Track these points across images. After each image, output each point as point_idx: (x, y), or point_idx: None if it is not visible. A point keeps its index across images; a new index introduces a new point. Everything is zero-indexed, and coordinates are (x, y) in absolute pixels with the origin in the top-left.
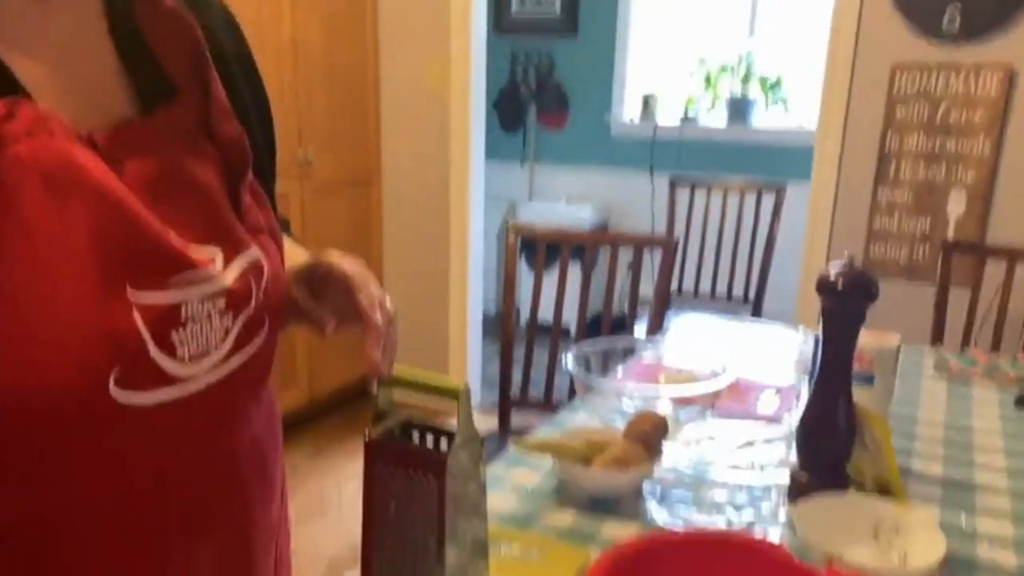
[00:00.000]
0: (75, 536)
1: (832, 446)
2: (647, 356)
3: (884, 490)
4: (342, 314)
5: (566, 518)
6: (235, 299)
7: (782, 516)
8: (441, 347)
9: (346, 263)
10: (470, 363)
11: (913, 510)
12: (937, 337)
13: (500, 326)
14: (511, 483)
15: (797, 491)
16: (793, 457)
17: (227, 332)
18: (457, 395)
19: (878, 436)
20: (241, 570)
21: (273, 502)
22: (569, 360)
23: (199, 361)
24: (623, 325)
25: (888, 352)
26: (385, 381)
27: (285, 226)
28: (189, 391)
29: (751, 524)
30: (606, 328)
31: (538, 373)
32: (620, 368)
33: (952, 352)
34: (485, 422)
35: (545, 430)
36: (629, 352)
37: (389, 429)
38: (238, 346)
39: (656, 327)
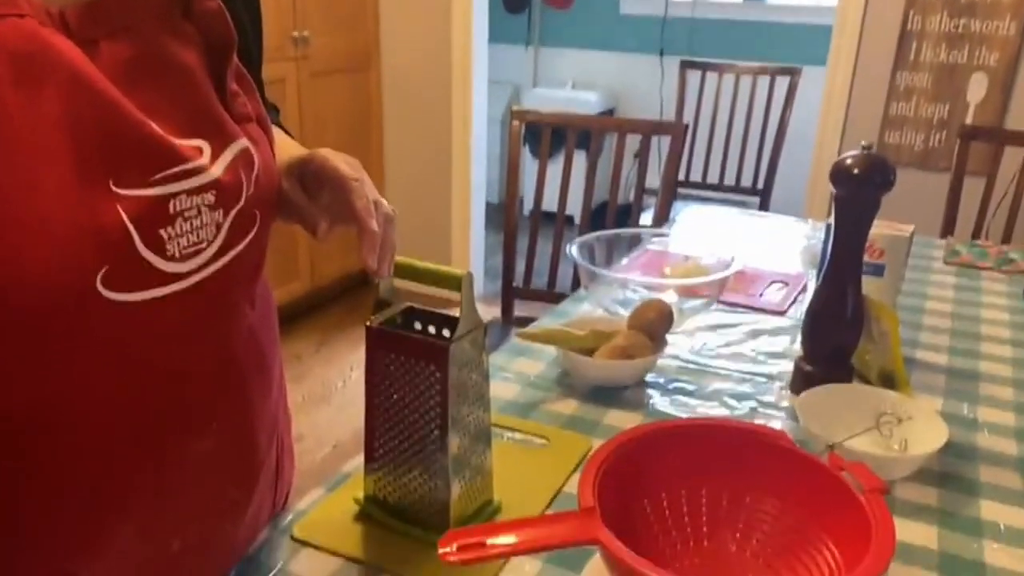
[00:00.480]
0: (74, 429)
1: (838, 337)
2: (652, 246)
3: (888, 382)
4: (335, 214)
5: (569, 407)
6: (225, 193)
7: (784, 406)
8: (443, 237)
9: (340, 161)
10: (473, 253)
11: (916, 400)
12: (948, 228)
13: (503, 215)
14: (514, 372)
15: (800, 382)
16: (797, 348)
17: (218, 228)
18: (459, 283)
19: (886, 327)
20: (243, 460)
21: (271, 392)
22: (573, 250)
23: (190, 259)
24: (628, 215)
25: (900, 242)
26: (388, 277)
27: (274, 112)
28: (181, 288)
29: (753, 413)
30: (611, 218)
31: (542, 263)
32: (625, 258)
33: (963, 243)
34: (488, 312)
35: (549, 320)
36: (634, 242)
37: (391, 317)
38: (229, 242)
39: (662, 217)
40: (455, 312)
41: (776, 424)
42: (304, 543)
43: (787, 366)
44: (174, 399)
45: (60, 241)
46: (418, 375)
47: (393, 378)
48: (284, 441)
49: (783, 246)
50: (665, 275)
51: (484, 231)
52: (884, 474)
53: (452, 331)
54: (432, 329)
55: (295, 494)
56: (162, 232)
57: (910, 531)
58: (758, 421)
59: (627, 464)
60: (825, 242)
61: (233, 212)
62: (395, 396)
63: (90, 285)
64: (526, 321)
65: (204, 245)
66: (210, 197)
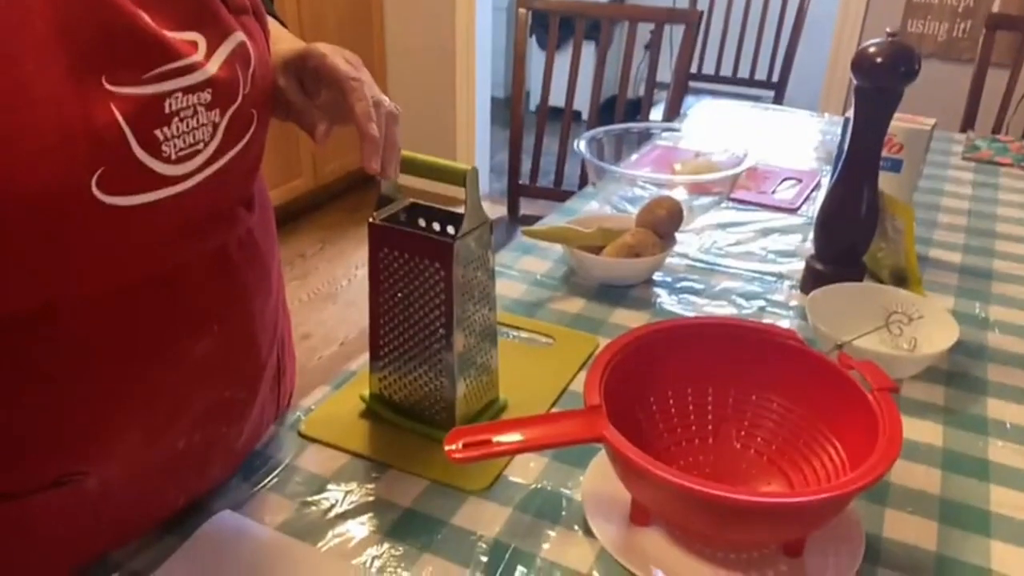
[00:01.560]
0: (74, 330)
1: (852, 234)
2: (663, 142)
3: (900, 280)
4: (334, 114)
5: (575, 306)
6: (221, 91)
7: (793, 306)
8: (447, 133)
9: (339, 58)
10: (478, 149)
11: (927, 299)
12: (968, 122)
13: (509, 110)
14: (520, 271)
15: (811, 281)
16: (809, 247)
17: (215, 128)
18: (464, 178)
19: (900, 224)
20: (245, 361)
21: (271, 293)
22: (581, 145)
23: (186, 161)
24: (638, 109)
25: (920, 135)
26: (386, 191)
27: (268, 2)
28: (177, 191)
29: (762, 312)
30: (620, 112)
31: (548, 160)
32: (634, 154)
33: (983, 138)
34: (493, 211)
35: (555, 218)
36: (644, 138)
37: (394, 214)
38: (226, 143)
39: (673, 111)
40: (460, 209)
41: (785, 324)
42: (311, 439)
43: (798, 265)
44: (173, 301)
45: (53, 142)
46: (422, 273)
47: (397, 276)
48: (285, 342)
49: (797, 142)
50: (675, 171)
51: (490, 127)
52: (892, 373)
53: (457, 228)
54: (436, 226)
55: (302, 392)
56: (158, 133)
57: (915, 429)
58: (767, 320)
59: (633, 363)
60: (842, 137)
61: (230, 112)
62: (399, 294)
63: (85, 187)
64: (532, 219)
65: (201, 146)
66: (206, 96)
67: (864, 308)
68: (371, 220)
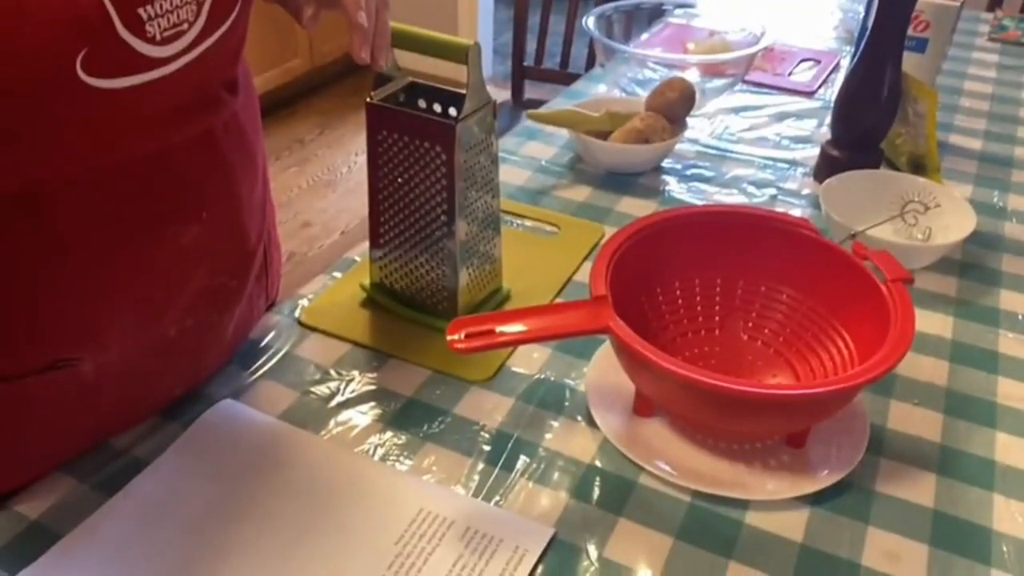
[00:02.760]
0: (60, 214)
1: (871, 118)
2: (675, 20)
3: (918, 167)
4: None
5: (581, 193)
6: None
7: (806, 194)
8: (448, 13)
9: None
10: (480, 29)
11: (945, 187)
12: (996, 1)
13: None
14: (524, 156)
15: (826, 167)
16: (824, 132)
17: (199, 8)
18: (466, 54)
19: (922, 108)
20: (233, 248)
21: (257, 181)
22: (590, 22)
23: (172, 42)
24: None
25: (949, 12)
26: (384, 70)
27: None
28: (162, 74)
29: (773, 200)
30: None
31: (554, 41)
32: (645, 33)
33: (1011, 17)
34: (497, 94)
35: (562, 101)
36: (656, 14)
37: (393, 93)
38: (211, 24)
39: None
40: (461, 89)
41: (797, 212)
42: (310, 328)
43: (812, 152)
44: (160, 185)
45: (35, 24)
46: (423, 156)
47: (396, 160)
48: (271, 234)
49: (817, 20)
50: (688, 52)
51: (493, 6)
52: (905, 263)
53: (458, 109)
54: (437, 107)
55: (302, 281)
56: (141, 12)
57: (925, 320)
58: (778, 209)
59: (640, 253)
60: (866, 14)
61: None
62: (399, 179)
63: (70, 68)
64: (538, 103)
65: (185, 27)
66: None
67: (879, 196)
68: (368, 100)
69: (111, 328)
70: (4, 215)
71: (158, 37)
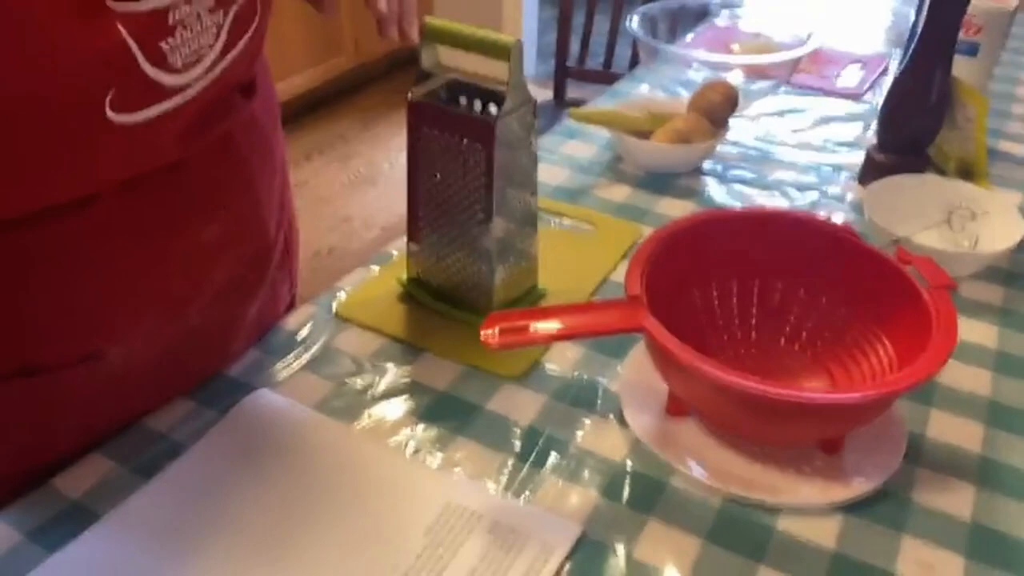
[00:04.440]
0: (89, 220)
1: (919, 122)
2: (721, 21)
3: (966, 173)
4: None
5: (621, 193)
6: None
7: (849, 199)
8: (492, 11)
9: None
10: (525, 29)
11: (993, 193)
12: None
13: None
14: (564, 155)
15: (871, 172)
16: (871, 137)
17: (219, 30)
18: (508, 52)
19: (972, 113)
20: (253, 242)
21: (276, 172)
22: (634, 22)
23: (192, 68)
24: None
25: (1002, 16)
26: (418, 43)
27: None
28: (185, 99)
29: (815, 205)
30: None
31: (598, 41)
32: (690, 34)
33: None
34: (540, 94)
35: (604, 100)
36: (701, 15)
37: (434, 90)
38: (230, 43)
39: None
40: (502, 87)
41: (840, 217)
42: (347, 321)
43: (857, 156)
44: (180, 188)
45: (64, 71)
46: (462, 153)
47: (436, 156)
48: (291, 222)
49: (867, 23)
50: (732, 53)
51: (537, 5)
52: (950, 271)
53: (499, 107)
54: (478, 105)
55: (341, 273)
56: (163, 45)
57: (970, 329)
58: (821, 213)
59: (677, 253)
60: (916, 17)
61: (233, 10)
62: (438, 175)
63: (99, 110)
64: (580, 103)
65: (206, 50)
66: (208, 1)
67: (925, 202)
68: (410, 96)
69: (137, 320)
70: (25, 225)
71: (179, 65)
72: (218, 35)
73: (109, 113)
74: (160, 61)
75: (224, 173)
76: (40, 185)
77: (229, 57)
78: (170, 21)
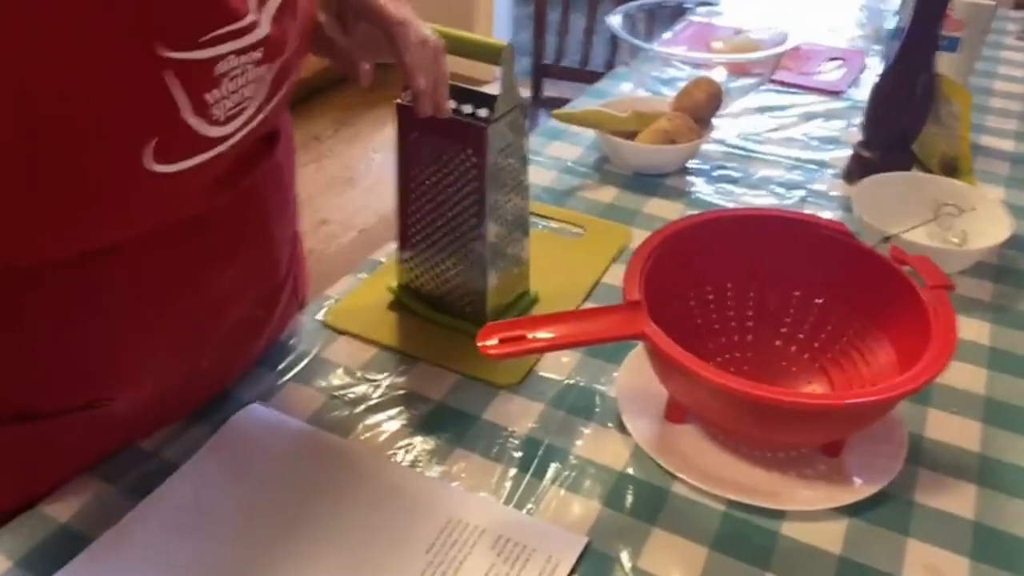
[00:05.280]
0: (105, 275)
1: (904, 119)
2: (699, 17)
3: (950, 169)
4: (374, 49)
5: (608, 194)
6: (271, 49)
7: (836, 196)
8: (464, 8)
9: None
10: (497, 26)
11: (979, 189)
12: None
13: None
14: (550, 157)
15: (857, 169)
16: (853, 133)
17: (260, 83)
18: (498, 55)
19: (956, 109)
20: (266, 282)
21: (290, 215)
22: (614, 20)
23: (233, 120)
24: None
25: (983, 12)
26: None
27: None
28: (222, 150)
29: (803, 202)
30: None
31: (575, 39)
32: (668, 31)
33: None
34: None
35: (586, 100)
36: (679, 12)
37: None
38: (271, 96)
39: None
40: (490, 89)
41: (827, 214)
42: (337, 331)
43: (841, 153)
44: (198, 237)
45: (105, 116)
46: (453, 159)
47: (426, 162)
48: (300, 255)
49: (840, 18)
50: (713, 50)
51: (511, 2)
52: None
53: (488, 109)
54: (467, 108)
55: (322, 279)
56: (207, 96)
57: (962, 326)
58: (808, 211)
59: (673, 257)
60: (899, 14)
61: (276, 66)
62: (428, 181)
63: (137, 159)
64: (557, 102)
65: (247, 104)
66: (257, 55)
67: (912, 199)
68: (399, 101)
69: (144, 369)
70: (46, 273)
71: (222, 118)
72: (259, 88)
73: (147, 162)
74: (203, 112)
75: (244, 220)
76: (71, 232)
77: (266, 111)
78: (216, 72)
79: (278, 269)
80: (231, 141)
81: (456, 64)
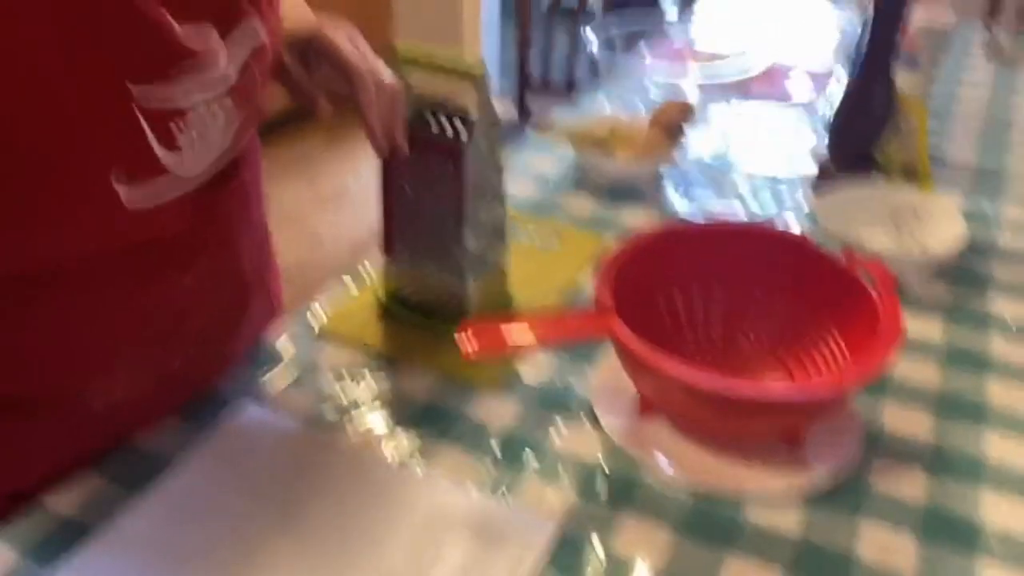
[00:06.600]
0: (79, 282)
1: (865, 130)
2: (677, 38)
3: (911, 177)
4: (335, 92)
5: (584, 206)
6: (238, 92)
7: (806, 207)
8: (453, 28)
9: (343, 41)
10: (486, 46)
11: (937, 198)
12: (994, 11)
13: (517, 3)
14: (530, 169)
15: (822, 180)
16: (823, 147)
17: (228, 121)
18: (475, 76)
19: (913, 121)
20: (231, 284)
21: (253, 222)
22: (592, 38)
23: (198, 150)
24: (653, 1)
25: (939, 33)
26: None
27: None
28: (188, 179)
29: (771, 213)
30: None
31: (559, 57)
32: (647, 51)
33: (1006, 31)
34: (502, 108)
35: (566, 116)
36: (658, 32)
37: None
38: (239, 137)
39: (688, 4)
40: (468, 103)
41: (796, 225)
42: (327, 337)
43: (811, 164)
44: (162, 247)
45: (75, 141)
46: (434, 172)
47: (407, 175)
48: (269, 255)
49: (816, 38)
50: (688, 70)
51: (499, 23)
52: (899, 273)
53: (467, 125)
54: (446, 122)
55: (313, 290)
56: (173, 126)
57: (919, 326)
58: (777, 221)
59: (643, 264)
60: (861, 34)
61: (244, 104)
62: (410, 194)
63: (105, 184)
64: (541, 117)
65: (216, 138)
66: (223, 94)
67: (873, 208)
68: None
69: (111, 364)
70: (22, 280)
71: (188, 147)
72: (230, 124)
73: (114, 189)
74: (170, 143)
75: (203, 231)
76: (42, 247)
77: (236, 141)
78: (182, 106)
79: (242, 273)
80: (196, 170)
81: (444, 83)
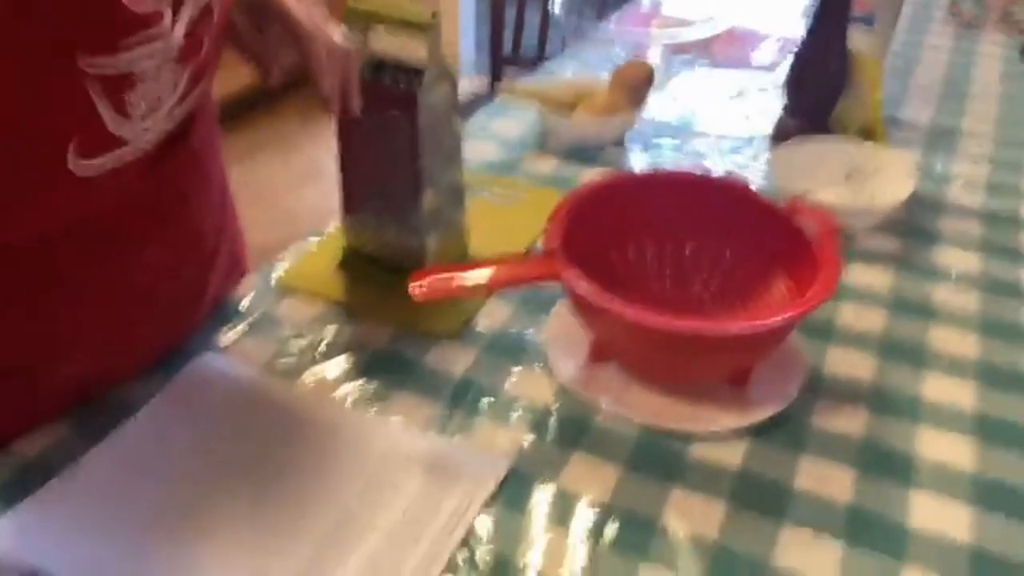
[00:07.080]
0: (40, 259)
1: (821, 87)
2: (644, 3)
3: (868, 137)
4: (285, 53)
5: (547, 166)
6: (184, 53)
7: (764, 163)
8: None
9: (292, 1)
10: (462, 23)
11: (890, 152)
12: None
13: None
14: (494, 132)
15: (780, 136)
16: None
17: (175, 84)
18: (425, 26)
19: (868, 78)
20: (192, 252)
21: (212, 190)
22: (558, 6)
23: (150, 116)
24: None
25: None
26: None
27: None
28: (143, 146)
29: (731, 170)
30: None
31: (531, 33)
32: (614, 16)
33: None
34: (478, 83)
35: (532, 79)
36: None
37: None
38: (186, 94)
39: None
40: (421, 54)
41: (756, 181)
42: (288, 290)
43: (772, 125)
44: (117, 221)
45: (28, 119)
46: (388, 127)
47: (363, 132)
48: (231, 217)
49: (783, 4)
50: (652, 33)
51: (474, 1)
52: (850, 224)
53: (418, 75)
54: (400, 76)
55: (281, 250)
56: (126, 96)
57: (867, 276)
58: (737, 175)
59: (594, 214)
60: None
61: (191, 67)
62: (366, 150)
63: (61, 159)
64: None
65: (163, 103)
66: (171, 56)
67: (827, 161)
68: None
69: (84, 335)
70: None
71: (139, 115)
72: (175, 88)
73: (70, 160)
74: (122, 112)
75: (160, 202)
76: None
77: (183, 105)
78: (132, 74)
79: (204, 238)
80: (147, 137)
81: (400, 46)
